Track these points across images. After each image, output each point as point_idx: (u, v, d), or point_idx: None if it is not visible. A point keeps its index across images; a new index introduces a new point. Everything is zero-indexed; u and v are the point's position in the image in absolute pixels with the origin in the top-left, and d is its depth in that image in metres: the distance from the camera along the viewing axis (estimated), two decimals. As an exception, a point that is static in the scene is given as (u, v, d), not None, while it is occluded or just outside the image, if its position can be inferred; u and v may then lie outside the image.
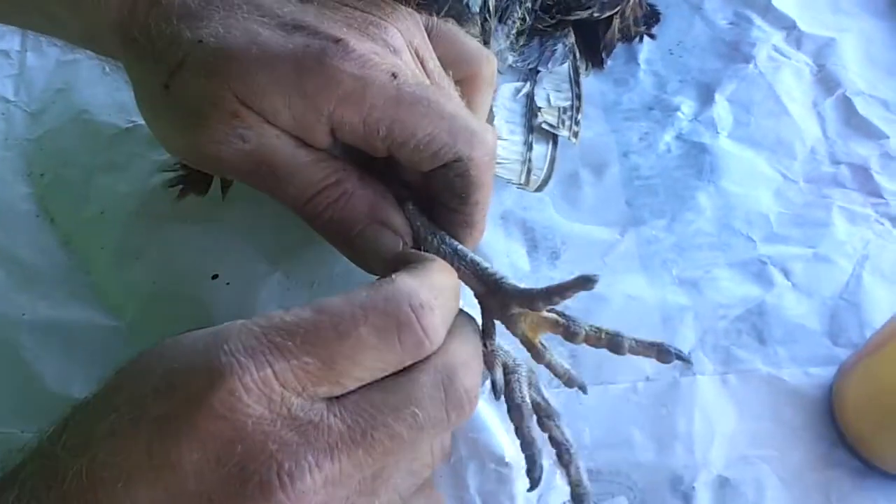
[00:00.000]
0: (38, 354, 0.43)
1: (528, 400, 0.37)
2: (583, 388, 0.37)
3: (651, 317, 0.45)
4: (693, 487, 0.39)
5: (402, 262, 0.32)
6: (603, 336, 0.35)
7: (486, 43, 0.48)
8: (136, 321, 0.44)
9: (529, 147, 0.49)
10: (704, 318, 0.44)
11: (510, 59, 0.52)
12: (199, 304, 0.45)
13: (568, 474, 0.37)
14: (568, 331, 0.35)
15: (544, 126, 0.50)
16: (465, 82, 0.41)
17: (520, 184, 0.47)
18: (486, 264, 0.35)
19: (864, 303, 0.45)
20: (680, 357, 0.35)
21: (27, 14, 0.42)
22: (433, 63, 0.39)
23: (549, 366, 0.36)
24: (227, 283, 0.45)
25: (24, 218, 0.48)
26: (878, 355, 0.39)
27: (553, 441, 0.37)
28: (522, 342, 0.36)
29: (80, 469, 0.26)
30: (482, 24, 0.48)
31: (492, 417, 0.41)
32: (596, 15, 0.52)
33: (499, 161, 0.47)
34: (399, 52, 0.36)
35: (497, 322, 0.36)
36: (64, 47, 0.53)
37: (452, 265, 0.35)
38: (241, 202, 0.47)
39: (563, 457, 0.37)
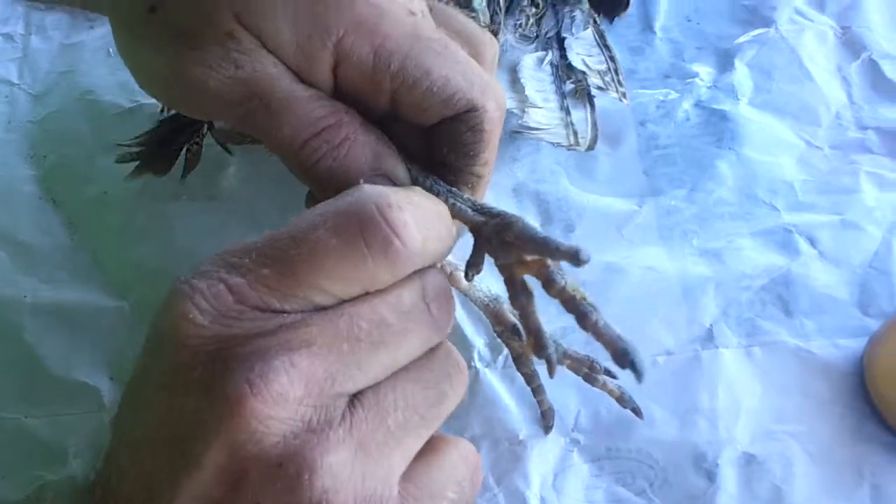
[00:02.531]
0: (41, 337, 0.42)
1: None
2: (550, 361, 0.32)
3: (672, 289, 0.43)
4: (717, 465, 0.38)
5: None
6: (578, 299, 0.30)
7: (494, 34, 0.47)
8: (140, 302, 0.43)
9: (567, 112, 0.47)
10: (727, 289, 0.43)
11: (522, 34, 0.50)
12: (205, 284, 0.43)
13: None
14: (548, 277, 0.31)
15: (594, 90, 0.48)
16: None
17: (569, 145, 0.45)
18: (483, 202, 0.33)
19: (895, 271, 0.43)
20: (635, 369, 0.29)
21: None
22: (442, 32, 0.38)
23: (522, 311, 0.32)
24: (233, 262, 0.44)
25: (26, 200, 0.47)
26: (912, 323, 0.37)
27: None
28: (507, 277, 0.32)
29: None
30: (491, 18, 0.46)
31: (505, 395, 0.40)
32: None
33: (541, 127, 0.46)
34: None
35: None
36: (68, 30, 0.53)
37: (447, 202, 0.32)
38: (244, 181, 0.46)
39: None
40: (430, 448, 0.28)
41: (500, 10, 0.47)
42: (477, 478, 0.29)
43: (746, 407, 0.39)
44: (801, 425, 0.39)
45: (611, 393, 0.38)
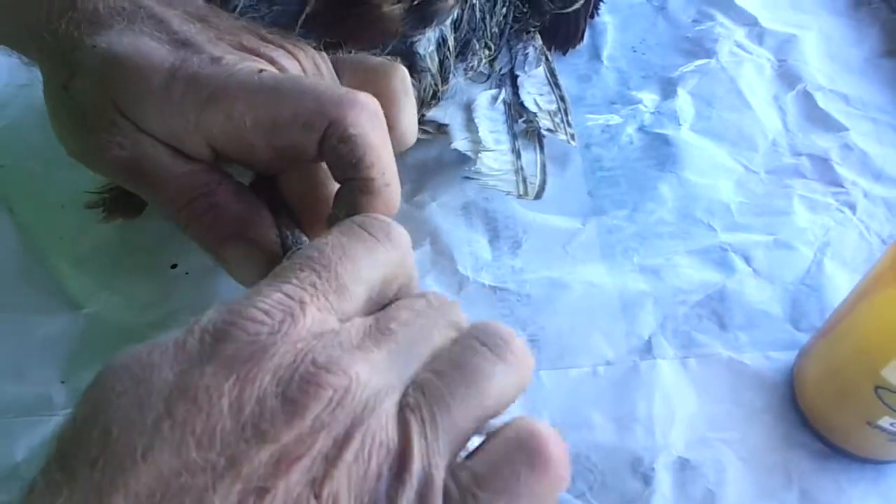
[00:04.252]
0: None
1: None
2: None
3: (612, 303, 0.44)
4: (653, 469, 0.39)
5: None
6: None
7: (444, 80, 0.48)
8: (93, 311, 0.43)
9: (518, 155, 0.48)
10: (665, 303, 0.44)
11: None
12: (158, 294, 0.44)
13: None
14: None
15: (543, 132, 0.49)
16: (380, 99, 0.41)
17: (519, 194, 0.46)
18: None
19: (825, 288, 0.45)
20: None
21: None
22: None
23: None
24: (187, 273, 0.45)
25: (-20, 208, 0.48)
26: (834, 334, 0.39)
27: None
28: None
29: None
30: (440, 63, 0.48)
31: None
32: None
33: (492, 173, 0.47)
34: (287, 70, 0.37)
35: None
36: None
37: None
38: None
39: None
40: None
41: (450, 54, 0.48)
42: None
43: (682, 415, 0.41)
44: (733, 432, 0.40)
45: None
